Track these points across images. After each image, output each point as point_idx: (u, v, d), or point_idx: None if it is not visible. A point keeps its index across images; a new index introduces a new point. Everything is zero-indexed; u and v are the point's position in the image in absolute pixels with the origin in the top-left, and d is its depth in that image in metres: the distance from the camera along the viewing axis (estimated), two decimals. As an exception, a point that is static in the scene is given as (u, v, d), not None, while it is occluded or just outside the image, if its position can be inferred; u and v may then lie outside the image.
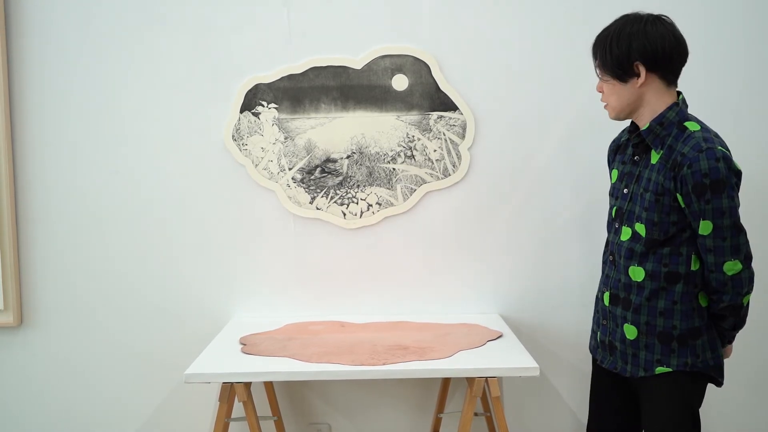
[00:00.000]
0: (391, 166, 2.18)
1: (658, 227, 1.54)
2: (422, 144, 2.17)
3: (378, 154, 2.17)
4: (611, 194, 1.70)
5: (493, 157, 2.19)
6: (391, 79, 2.14)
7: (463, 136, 2.18)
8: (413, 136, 2.17)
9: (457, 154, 2.18)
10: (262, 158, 2.17)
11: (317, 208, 2.19)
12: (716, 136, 1.52)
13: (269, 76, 2.15)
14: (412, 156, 2.17)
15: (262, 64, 2.15)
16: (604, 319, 1.67)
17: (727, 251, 1.47)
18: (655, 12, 1.58)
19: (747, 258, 1.50)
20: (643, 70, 1.52)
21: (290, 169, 2.17)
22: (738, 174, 1.52)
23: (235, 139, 2.16)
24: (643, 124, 1.57)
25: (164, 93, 2.16)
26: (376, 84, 2.14)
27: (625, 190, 1.62)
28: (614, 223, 1.66)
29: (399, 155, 2.17)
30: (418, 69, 2.13)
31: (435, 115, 2.16)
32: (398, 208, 2.20)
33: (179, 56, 2.15)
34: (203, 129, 2.18)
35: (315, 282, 2.24)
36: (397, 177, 2.19)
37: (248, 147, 2.16)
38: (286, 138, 2.16)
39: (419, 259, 2.23)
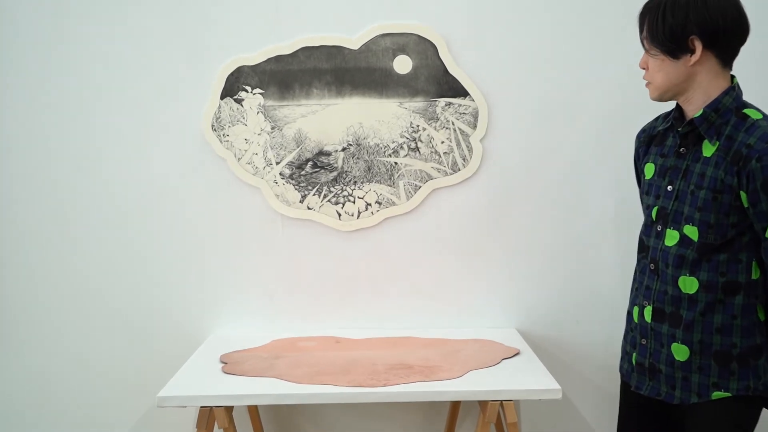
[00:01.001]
0: (392, 160, 2.15)
1: (714, 230, 1.50)
2: (428, 135, 2.14)
3: (378, 146, 2.14)
4: (647, 192, 1.65)
5: (509, 149, 2.16)
6: (392, 60, 2.11)
7: (474, 126, 2.15)
8: (418, 126, 2.14)
9: (467, 147, 2.15)
10: (246, 151, 2.13)
11: (308, 208, 2.17)
12: None
13: (254, 57, 2.11)
14: (417, 148, 2.15)
15: (246, 44, 2.11)
16: (644, 338, 1.62)
17: None
18: None
19: None
20: (699, 46, 1.48)
21: (278, 163, 2.14)
22: None
23: (215, 130, 2.13)
24: (693, 111, 1.54)
25: (134, 78, 2.13)
26: (376, 66, 2.11)
27: (669, 187, 1.57)
28: (655, 225, 1.61)
29: (402, 147, 2.14)
30: (424, 49, 2.10)
31: (443, 101, 2.13)
32: (401, 207, 2.18)
33: (151, 35, 2.12)
34: (178, 118, 2.14)
35: (306, 292, 2.22)
36: (400, 172, 2.16)
37: (230, 138, 2.13)
38: (273, 128, 2.13)
39: (425, 265, 2.21)
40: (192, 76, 2.13)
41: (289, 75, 2.11)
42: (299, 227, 2.19)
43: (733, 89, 1.52)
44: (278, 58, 2.11)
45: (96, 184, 2.18)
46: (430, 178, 2.17)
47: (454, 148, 2.14)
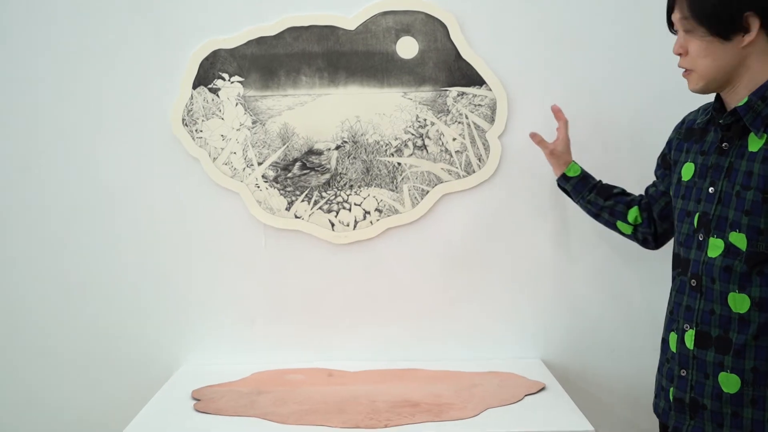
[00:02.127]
0: (395, 160, 2.13)
1: (765, 237, 1.49)
2: (437, 130, 2.12)
3: (378, 143, 2.12)
4: (684, 196, 1.65)
5: (532, 147, 2.08)
6: (395, 43, 2.09)
7: (492, 120, 2.13)
8: (425, 120, 2.11)
9: (483, 144, 2.13)
10: (223, 149, 2.12)
11: (296, 217, 2.15)
12: None
13: (232, 39, 2.09)
14: (424, 146, 2.12)
15: (223, 24, 2.10)
16: (684, 369, 1.60)
17: None
18: None
19: None
20: (755, 24, 1.46)
21: (260, 164, 2.13)
22: None
23: (186, 124, 2.11)
24: (736, 100, 1.53)
25: (90, 64, 2.12)
26: (376, 50, 2.09)
27: (711, 189, 1.57)
28: (696, 234, 1.60)
29: (406, 145, 2.12)
30: (432, 30, 2.08)
31: (454, 91, 2.11)
32: (405, 216, 2.16)
33: (110, 14, 2.10)
34: (142, 111, 2.13)
35: (293, 316, 2.21)
36: (404, 175, 2.14)
37: (204, 134, 2.12)
38: (254, 122, 2.11)
39: (433, 284, 2.20)
40: (158, 62, 2.11)
41: (273, 60, 2.09)
42: (285, 239, 2.18)
43: None
44: (260, 41, 2.09)
45: (44, 188, 2.17)
46: (440, 181, 2.15)
47: (468, 146, 2.12)
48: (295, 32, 2.09)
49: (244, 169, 2.13)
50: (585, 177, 1.94)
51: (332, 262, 2.19)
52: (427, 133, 2.13)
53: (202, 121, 2.12)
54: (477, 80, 2.11)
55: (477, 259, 2.20)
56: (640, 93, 2.14)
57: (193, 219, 2.18)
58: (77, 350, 2.23)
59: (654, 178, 1.86)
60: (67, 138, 2.15)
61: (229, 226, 2.18)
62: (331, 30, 2.09)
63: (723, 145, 1.57)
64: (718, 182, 1.56)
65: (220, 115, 2.12)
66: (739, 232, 1.51)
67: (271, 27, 2.09)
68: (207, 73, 2.10)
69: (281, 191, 2.15)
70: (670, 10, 1.56)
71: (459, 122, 2.13)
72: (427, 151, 2.13)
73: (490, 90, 2.12)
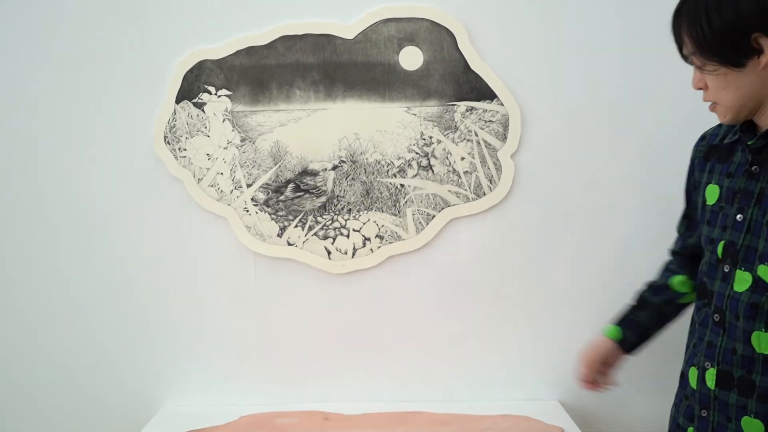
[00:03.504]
0: (398, 181, 2.10)
1: None
2: (444, 149, 2.10)
3: (379, 163, 2.10)
4: (709, 222, 1.63)
5: (547, 167, 2.13)
6: (397, 53, 2.07)
7: (504, 138, 2.10)
8: (431, 138, 2.09)
9: (495, 164, 2.10)
10: (209, 170, 2.10)
11: (289, 244, 2.13)
12: None
13: (219, 49, 2.07)
14: (429, 166, 2.10)
15: (209, 32, 2.08)
16: (704, 409, 1.60)
17: None
18: None
19: None
20: (767, 42, 1.44)
21: (249, 185, 2.11)
22: None
23: (168, 142, 2.09)
24: (767, 122, 1.53)
25: (66, 76, 2.10)
26: (377, 61, 2.07)
27: (739, 216, 1.55)
28: (721, 265, 1.59)
29: (410, 165, 2.10)
30: (438, 39, 2.06)
31: (463, 106, 2.09)
32: (408, 243, 2.13)
33: (87, 22, 2.09)
34: (121, 127, 2.11)
35: (286, 353, 2.19)
36: (407, 197, 2.12)
37: (188, 153, 2.10)
38: (243, 140, 2.09)
39: (439, 318, 2.17)
40: (138, 74, 2.09)
41: (264, 72, 2.08)
42: (277, 268, 2.16)
43: None
44: (250, 51, 2.07)
45: (13, 211, 2.17)
46: (447, 204, 2.12)
47: (478, 166, 2.10)
48: (288, 41, 2.07)
49: (232, 191, 2.11)
50: (624, 321, 1.87)
51: (328, 293, 2.17)
52: (432, 151, 2.09)
53: (186, 138, 2.09)
54: (487, 94, 2.09)
55: (487, 290, 2.17)
56: (663, 104, 2.12)
57: (175, 246, 2.15)
58: (49, 388, 2.22)
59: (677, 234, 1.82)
60: (37, 157, 2.14)
61: (216, 254, 2.15)
62: (328, 39, 2.07)
63: (753, 168, 1.55)
64: (747, 209, 1.55)
65: (206, 132, 2.09)
66: None
67: (262, 36, 2.07)
68: (191, 86, 2.08)
69: (272, 216, 2.12)
70: (679, 45, 1.55)
71: (468, 140, 2.10)
72: (432, 171, 2.10)
73: (502, 105, 2.09)
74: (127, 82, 2.08)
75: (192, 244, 2.14)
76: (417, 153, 2.09)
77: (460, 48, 2.05)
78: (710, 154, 1.67)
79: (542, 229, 2.14)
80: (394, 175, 2.09)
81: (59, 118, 2.10)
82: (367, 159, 2.09)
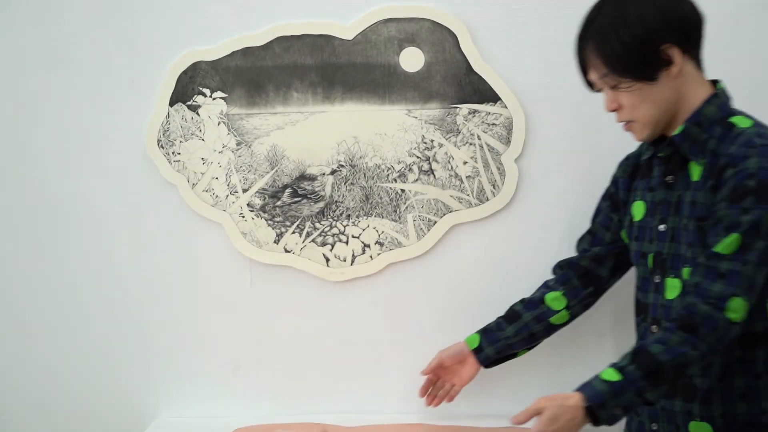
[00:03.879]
0: (398, 186, 2.10)
1: None
2: (446, 153, 2.10)
3: (379, 167, 2.10)
4: (638, 237, 1.70)
5: (551, 172, 2.12)
6: (398, 54, 2.07)
7: (507, 141, 2.10)
8: (432, 141, 2.09)
9: (498, 168, 2.10)
10: (204, 174, 2.10)
11: (286, 250, 2.12)
12: None
13: (214, 50, 2.07)
14: (431, 171, 2.10)
15: (204, 32, 2.07)
16: (654, 422, 1.65)
17: (742, 283, 1.44)
18: None
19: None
20: (677, 54, 1.52)
21: (245, 190, 2.10)
22: None
23: (162, 146, 2.09)
24: (675, 130, 1.60)
25: (56, 78, 2.10)
26: (376, 62, 2.07)
27: (662, 227, 1.62)
28: (652, 277, 1.65)
29: (410, 170, 2.10)
30: (440, 39, 2.06)
31: (465, 108, 2.08)
32: (409, 250, 2.12)
33: (78, 22, 2.08)
34: (113, 131, 2.11)
35: (282, 363, 2.17)
36: (408, 203, 2.11)
37: (182, 157, 2.10)
38: (239, 144, 2.09)
39: (442, 328, 2.11)
40: (131, 76, 2.09)
41: (260, 73, 2.08)
42: (274, 276, 2.15)
43: (716, 96, 1.57)
44: (246, 51, 2.07)
45: (3, 216, 2.16)
46: (449, 210, 2.11)
47: (481, 170, 2.10)
48: (285, 42, 2.07)
49: (228, 196, 2.10)
50: (485, 331, 1.92)
51: (327, 301, 2.16)
52: (434, 155, 2.10)
53: (180, 142, 2.09)
54: (490, 96, 2.08)
55: (490, 298, 2.09)
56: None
57: (169, 253, 2.15)
58: (41, 398, 2.21)
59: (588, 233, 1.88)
60: (28, 161, 2.14)
61: (211, 261, 2.15)
62: (326, 40, 2.07)
63: (668, 178, 1.62)
64: (668, 219, 1.61)
65: (201, 135, 2.09)
66: (690, 267, 1.55)
67: (259, 36, 2.07)
68: (186, 89, 2.07)
69: (269, 222, 2.11)
70: (584, 72, 1.60)
71: (470, 143, 2.09)
72: (434, 176, 2.10)
73: (506, 107, 2.08)
74: (119, 84, 2.08)
75: (186, 250, 2.14)
76: (418, 157, 2.09)
77: (463, 49, 2.05)
78: (635, 173, 1.73)
79: (547, 236, 2.12)
80: (395, 180, 2.10)
81: (50, 121, 2.11)
82: (366, 163, 2.09)
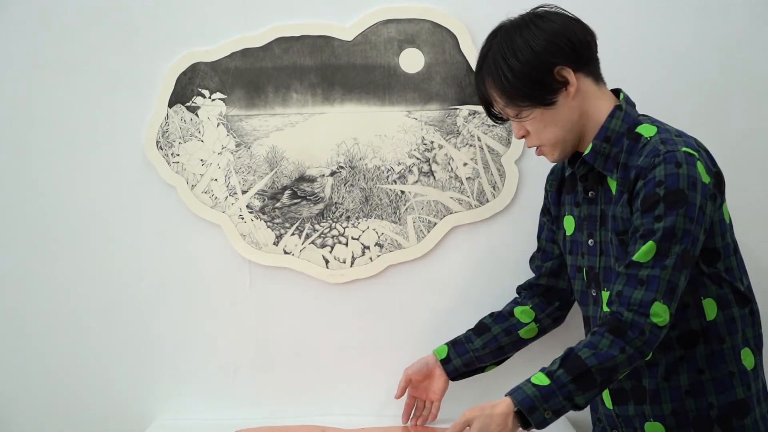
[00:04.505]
0: (398, 187, 2.10)
1: None
2: (446, 154, 2.09)
3: (378, 169, 2.10)
4: (571, 251, 1.74)
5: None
6: (398, 55, 2.07)
7: (507, 143, 2.10)
8: (432, 143, 2.09)
9: (498, 170, 2.10)
10: (203, 176, 2.09)
11: (286, 252, 2.11)
12: (678, 134, 1.58)
13: (213, 51, 2.07)
14: (431, 172, 2.09)
15: (203, 33, 2.07)
16: (615, 429, 1.69)
17: (662, 288, 1.47)
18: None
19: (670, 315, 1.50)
20: (570, 74, 1.56)
21: (245, 192, 2.09)
22: (717, 178, 1.57)
23: (160, 148, 2.08)
24: (585, 146, 1.64)
25: (54, 78, 2.09)
26: (376, 63, 2.06)
27: (590, 242, 1.67)
28: (589, 290, 1.70)
29: (410, 171, 2.10)
30: (440, 41, 2.05)
31: (465, 110, 2.08)
32: (409, 251, 2.11)
33: (76, 22, 2.07)
34: (111, 132, 2.10)
35: (282, 365, 2.16)
36: (408, 204, 2.11)
37: (181, 159, 2.09)
38: (238, 145, 2.08)
39: (442, 330, 2.09)
40: (129, 77, 2.08)
41: (260, 74, 2.07)
42: (273, 278, 2.13)
43: (619, 108, 1.60)
44: (245, 53, 2.06)
45: (0, 219, 2.15)
46: (449, 212, 2.11)
47: (481, 171, 2.09)
48: (284, 43, 2.06)
49: (227, 198, 2.09)
50: (454, 342, 1.93)
51: (326, 303, 2.14)
52: (434, 157, 2.09)
53: (179, 143, 2.08)
54: None
55: (491, 300, 2.09)
56: (671, 108, 2.06)
57: (167, 254, 2.14)
58: (38, 401, 2.19)
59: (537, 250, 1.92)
60: (26, 163, 2.12)
61: (209, 263, 2.13)
62: (326, 41, 2.06)
63: (590, 194, 1.65)
64: (595, 233, 1.65)
65: (200, 136, 2.08)
66: None
67: (258, 37, 2.06)
68: (185, 90, 2.06)
69: (268, 223, 2.10)
70: (488, 105, 1.64)
71: (470, 145, 2.08)
72: (434, 177, 2.09)
73: None
74: (118, 85, 2.08)
75: (185, 252, 2.13)
76: (418, 158, 2.09)
77: (463, 50, 2.04)
78: (561, 187, 1.76)
79: (547, 237, 2.12)
80: (394, 182, 2.09)
81: (49, 122, 2.10)
82: (366, 165, 2.09)
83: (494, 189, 2.09)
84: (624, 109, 1.60)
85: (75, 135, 2.10)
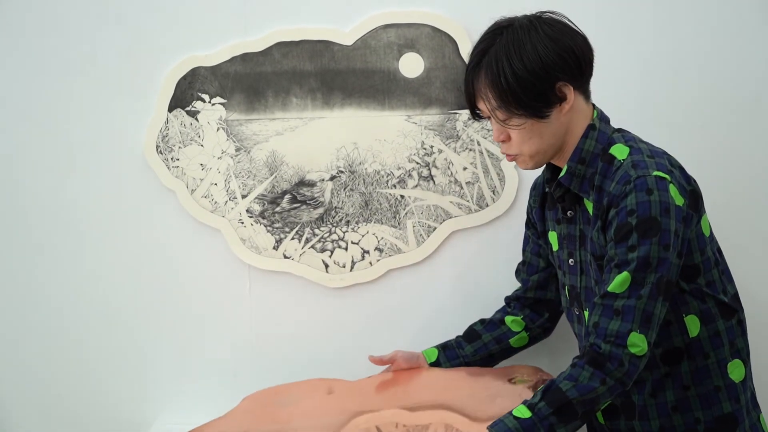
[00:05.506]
0: (398, 192, 2.09)
1: None
2: (445, 158, 2.09)
3: (378, 173, 2.10)
4: (559, 267, 1.74)
5: None
6: (397, 60, 2.06)
7: None
8: (432, 147, 2.09)
9: (498, 174, 2.10)
10: (202, 180, 2.09)
11: (285, 257, 2.11)
12: (651, 155, 1.54)
13: (213, 56, 2.07)
14: (431, 177, 2.09)
15: (203, 38, 2.07)
16: None
17: (638, 318, 1.46)
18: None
19: (648, 344, 1.48)
20: (570, 91, 1.53)
21: (244, 196, 2.09)
22: (693, 196, 1.54)
23: (160, 152, 2.08)
24: (562, 160, 1.62)
25: (54, 83, 2.09)
26: (376, 68, 2.07)
27: (571, 261, 1.66)
28: (572, 308, 1.70)
29: (410, 176, 2.09)
30: (440, 45, 2.05)
31: (465, 114, 2.07)
32: (409, 256, 2.12)
33: (76, 27, 2.08)
34: (111, 137, 2.10)
35: (281, 369, 2.12)
36: (408, 209, 2.10)
37: (181, 163, 2.09)
38: (238, 150, 2.09)
39: (442, 333, 2.06)
40: (129, 81, 2.08)
41: (259, 79, 2.07)
42: (273, 282, 2.13)
43: (593, 127, 1.58)
44: (245, 57, 2.06)
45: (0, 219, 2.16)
46: (449, 216, 2.10)
47: (481, 176, 2.09)
48: (284, 48, 2.06)
49: (227, 202, 2.09)
50: (445, 347, 1.92)
51: (326, 308, 2.14)
52: (434, 161, 2.09)
53: (179, 148, 2.08)
54: None
55: (492, 304, 2.06)
56: (672, 112, 2.10)
57: (167, 259, 2.13)
58: (34, 406, 2.19)
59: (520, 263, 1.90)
60: (25, 167, 2.12)
61: (209, 267, 2.13)
62: (325, 45, 2.06)
63: (568, 213, 1.63)
64: (575, 253, 1.64)
65: (200, 141, 2.08)
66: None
67: (258, 42, 2.06)
68: (185, 94, 2.06)
69: (268, 228, 2.10)
70: (472, 100, 1.57)
71: (470, 149, 2.08)
72: (434, 182, 2.09)
73: None
74: (117, 89, 2.07)
75: (185, 256, 2.13)
76: (417, 163, 2.08)
77: (462, 55, 2.02)
78: (544, 202, 1.73)
79: (547, 242, 2.11)
80: (394, 186, 2.09)
81: (48, 126, 2.10)
82: (366, 169, 2.08)
83: (494, 193, 2.08)
84: (597, 128, 1.57)
85: (75, 139, 2.10)
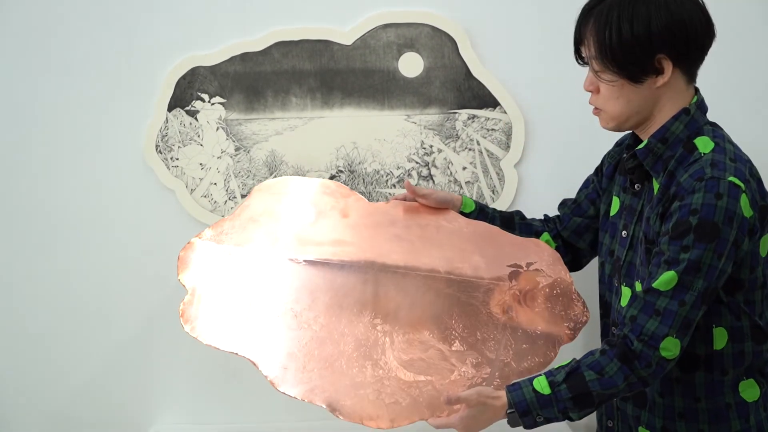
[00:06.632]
0: (397, 191, 2.10)
1: None
2: (445, 158, 2.09)
3: (378, 173, 2.10)
4: (608, 232, 1.69)
5: (552, 177, 2.13)
6: (397, 59, 2.07)
7: (506, 147, 2.10)
8: (431, 147, 2.09)
9: (497, 174, 2.10)
10: (202, 180, 2.09)
11: None
12: (734, 158, 1.48)
13: (213, 55, 2.07)
14: (430, 176, 2.10)
15: (202, 38, 2.07)
16: (610, 419, 1.68)
17: (677, 324, 1.43)
18: None
19: (681, 347, 1.45)
20: (669, 67, 1.48)
21: (244, 196, 2.09)
22: (763, 211, 1.47)
23: (160, 151, 2.08)
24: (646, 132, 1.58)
25: (53, 83, 2.09)
26: (375, 67, 2.07)
27: (624, 233, 1.62)
28: (612, 279, 1.67)
29: (410, 175, 2.10)
30: (439, 45, 2.06)
31: (464, 114, 2.08)
32: None
33: (76, 26, 2.07)
34: (111, 136, 2.10)
35: None
36: None
37: (180, 163, 2.09)
38: (237, 149, 2.09)
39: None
40: (129, 81, 2.08)
41: (259, 79, 2.07)
42: None
43: (687, 112, 1.52)
44: (245, 57, 2.07)
45: (0, 219, 2.14)
46: None
47: (480, 176, 2.10)
48: (283, 47, 2.06)
49: (226, 202, 2.09)
50: (482, 210, 1.87)
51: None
52: (433, 161, 2.08)
53: (179, 147, 2.08)
54: (490, 101, 2.08)
55: None
56: None
57: (167, 258, 2.06)
58: (33, 407, 2.18)
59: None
60: (25, 166, 2.11)
61: None
62: (325, 45, 2.06)
63: (635, 186, 1.61)
64: (630, 226, 1.61)
65: (199, 140, 2.08)
66: (642, 283, 1.55)
67: (257, 41, 2.06)
68: (184, 94, 2.06)
69: None
70: (578, 43, 1.56)
71: (470, 149, 2.09)
72: (433, 181, 2.09)
73: (505, 113, 2.08)
74: (117, 89, 2.07)
75: (184, 256, 2.11)
76: (417, 162, 2.08)
77: (462, 54, 2.04)
78: (619, 165, 1.70)
79: (546, 241, 2.10)
80: (394, 186, 2.08)
81: (48, 125, 2.09)
82: (365, 169, 2.07)
83: (493, 193, 2.08)
84: (691, 114, 1.52)
85: (74, 138, 2.09)
